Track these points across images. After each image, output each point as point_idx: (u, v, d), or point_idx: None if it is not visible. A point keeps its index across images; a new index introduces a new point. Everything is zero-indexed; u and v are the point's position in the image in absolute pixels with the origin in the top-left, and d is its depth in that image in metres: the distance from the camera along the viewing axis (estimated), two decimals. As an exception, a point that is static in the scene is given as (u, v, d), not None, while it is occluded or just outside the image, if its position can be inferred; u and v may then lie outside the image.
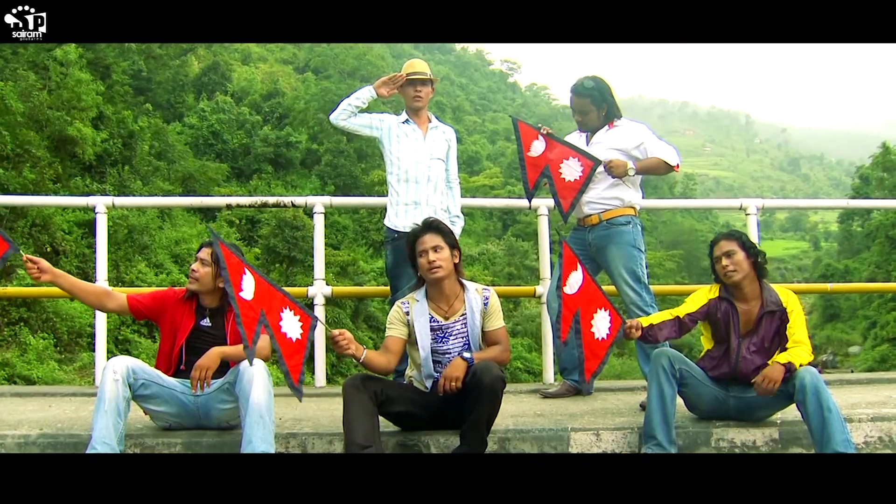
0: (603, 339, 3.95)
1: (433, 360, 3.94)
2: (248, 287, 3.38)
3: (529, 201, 5.09)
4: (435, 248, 3.92)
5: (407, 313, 3.98)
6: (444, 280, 3.96)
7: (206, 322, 4.03)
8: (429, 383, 3.95)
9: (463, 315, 3.99)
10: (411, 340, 3.99)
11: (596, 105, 4.82)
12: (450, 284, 4.00)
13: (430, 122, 5.10)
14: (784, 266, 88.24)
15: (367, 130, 5.03)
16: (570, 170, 4.65)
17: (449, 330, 3.96)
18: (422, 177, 4.92)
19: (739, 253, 4.11)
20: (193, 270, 4.03)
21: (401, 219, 4.89)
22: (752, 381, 3.89)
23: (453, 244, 4.01)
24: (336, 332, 3.60)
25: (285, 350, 3.39)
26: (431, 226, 4.01)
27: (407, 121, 5.04)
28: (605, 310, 3.97)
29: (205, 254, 4.04)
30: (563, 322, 3.91)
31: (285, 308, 3.45)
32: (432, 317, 3.97)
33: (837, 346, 48.44)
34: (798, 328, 4.05)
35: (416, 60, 5.19)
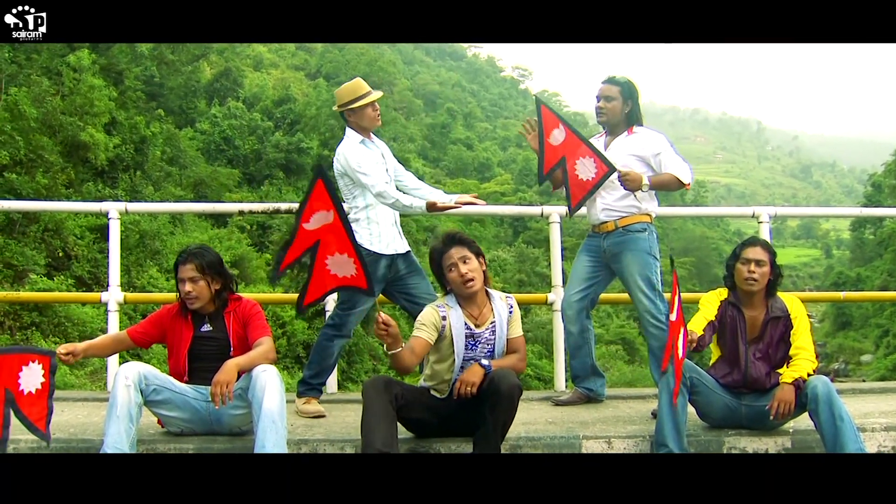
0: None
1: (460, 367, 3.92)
2: (316, 221, 3.54)
3: (540, 184, 5.02)
4: (464, 260, 3.87)
5: (444, 318, 3.90)
6: (479, 291, 3.95)
7: (206, 328, 4.03)
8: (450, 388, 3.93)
9: (492, 323, 3.97)
10: (441, 346, 3.93)
11: (623, 97, 4.79)
12: (480, 294, 3.97)
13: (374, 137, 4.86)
14: (796, 274, 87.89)
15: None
16: (585, 169, 4.60)
17: (479, 337, 3.94)
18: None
19: (767, 266, 4.10)
20: (189, 293, 3.96)
21: (377, 239, 4.66)
22: (767, 407, 3.88)
23: (478, 251, 3.96)
24: (383, 317, 3.51)
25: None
26: (455, 238, 3.95)
27: (363, 141, 4.72)
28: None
29: (190, 272, 3.97)
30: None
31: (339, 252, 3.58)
32: (466, 323, 3.93)
33: (849, 355, 48.15)
34: (801, 334, 4.04)
35: (358, 80, 4.81)
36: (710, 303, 4.20)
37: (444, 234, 4.05)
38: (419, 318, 3.93)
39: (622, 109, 4.81)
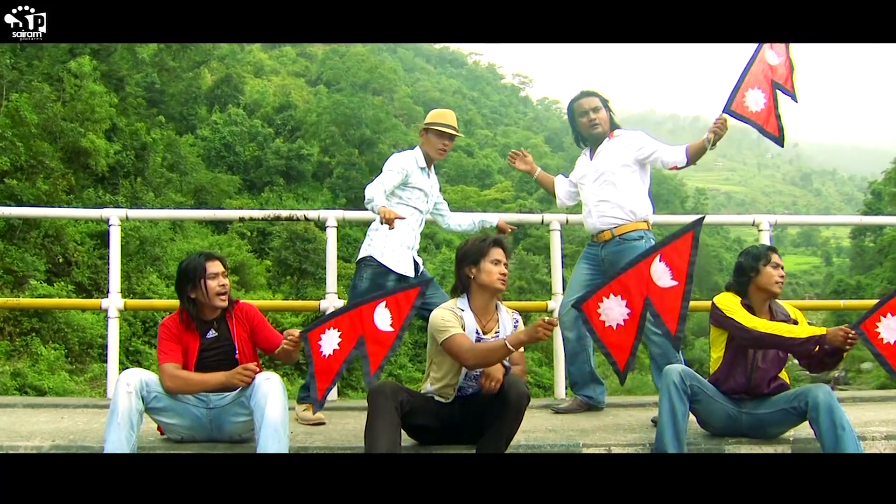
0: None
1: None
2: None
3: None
4: (505, 264, 3.97)
5: (462, 318, 3.92)
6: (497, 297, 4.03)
7: (211, 333, 4.00)
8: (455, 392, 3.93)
9: (496, 333, 3.99)
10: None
11: (604, 105, 4.89)
12: (493, 301, 4.03)
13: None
14: (796, 282, 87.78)
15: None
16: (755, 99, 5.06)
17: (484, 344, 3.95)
18: (421, 225, 4.93)
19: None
20: (224, 286, 3.95)
21: (389, 253, 4.71)
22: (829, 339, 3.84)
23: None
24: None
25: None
26: (502, 242, 4.04)
27: (424, 168, 4.86)
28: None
29: (220, 267, 3.97)
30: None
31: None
32: (476, 329, 3.94)
33: (850, 363, 47.94)
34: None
35: (451, 113, 5.00)
36: (735, 304, 4.16)
37: (493, 237, 4.11)
38: (442, 320, 3.87)
39: (608, 116, 4.89)
